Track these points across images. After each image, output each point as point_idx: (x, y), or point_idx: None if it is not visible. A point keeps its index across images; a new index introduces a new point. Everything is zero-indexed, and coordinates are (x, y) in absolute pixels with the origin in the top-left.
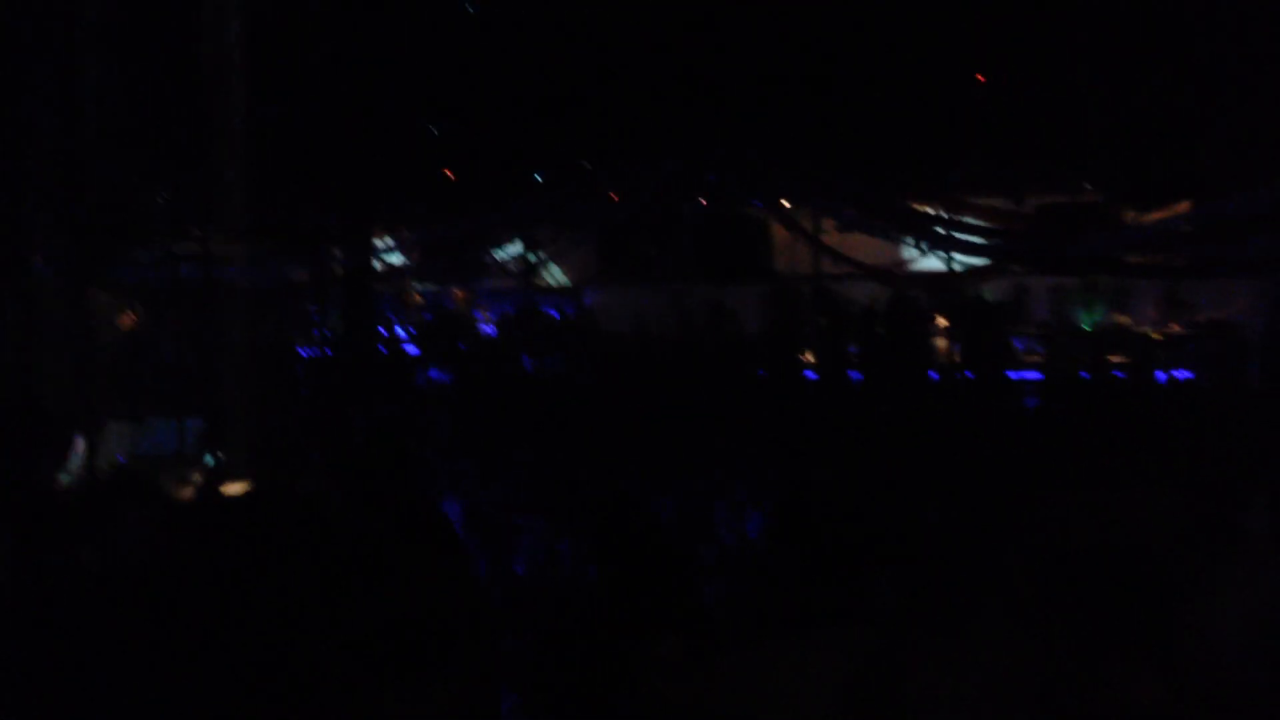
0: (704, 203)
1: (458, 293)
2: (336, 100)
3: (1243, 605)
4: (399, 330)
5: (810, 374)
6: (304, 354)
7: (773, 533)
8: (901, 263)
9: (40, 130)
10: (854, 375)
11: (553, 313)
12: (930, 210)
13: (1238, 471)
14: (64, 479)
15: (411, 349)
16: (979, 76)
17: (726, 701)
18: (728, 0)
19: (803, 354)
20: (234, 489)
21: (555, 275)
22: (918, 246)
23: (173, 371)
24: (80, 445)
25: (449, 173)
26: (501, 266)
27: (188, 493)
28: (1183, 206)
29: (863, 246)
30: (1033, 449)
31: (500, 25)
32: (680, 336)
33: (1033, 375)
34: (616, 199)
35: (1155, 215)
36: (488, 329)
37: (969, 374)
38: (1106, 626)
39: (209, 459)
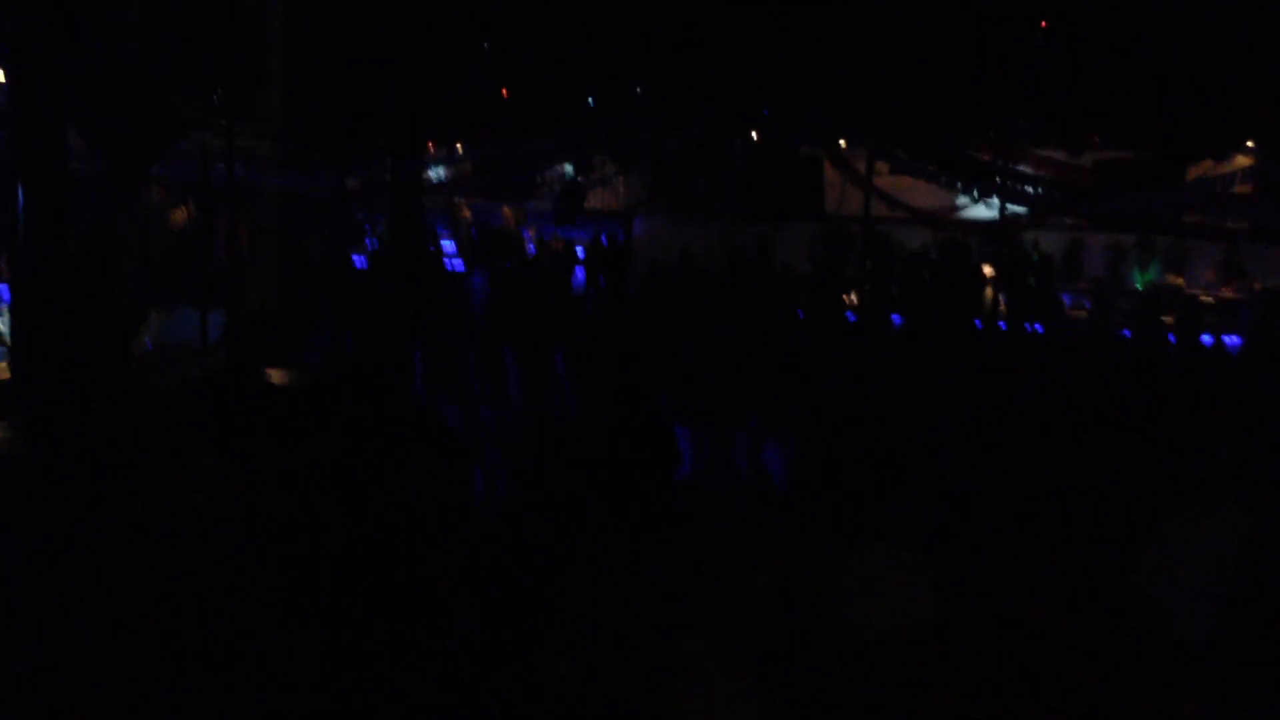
0: (756, 138)
1: (506, 211)
2: (393, 14)
3: (1209, 560)
4: (445, 244)
5: (851, 315)
6: (351, 261)
7: (792, 464)
8: (953, 209)
9: (90, 29)
10: (896, 319)
11: (601, 238)
12: (986, 158)
13: (1257, 433)
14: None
15: (457, 263)
16: (1043, 24)
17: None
18: None
19: (847, 295)
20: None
21: (604, 201)
22: (971, 194)
23: (210, 266)
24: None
25: (504, 92)
26: (551, 188)
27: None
28: (1244, 163)
29: (915, 191)
30: (1054, 400)
31: None
32: (725, 270)
33: (1075, 330)
34: (668, 129)
35: (1215, 171)
36: (533, 249)
37: (1011, 324)
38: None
39: (231, 350)
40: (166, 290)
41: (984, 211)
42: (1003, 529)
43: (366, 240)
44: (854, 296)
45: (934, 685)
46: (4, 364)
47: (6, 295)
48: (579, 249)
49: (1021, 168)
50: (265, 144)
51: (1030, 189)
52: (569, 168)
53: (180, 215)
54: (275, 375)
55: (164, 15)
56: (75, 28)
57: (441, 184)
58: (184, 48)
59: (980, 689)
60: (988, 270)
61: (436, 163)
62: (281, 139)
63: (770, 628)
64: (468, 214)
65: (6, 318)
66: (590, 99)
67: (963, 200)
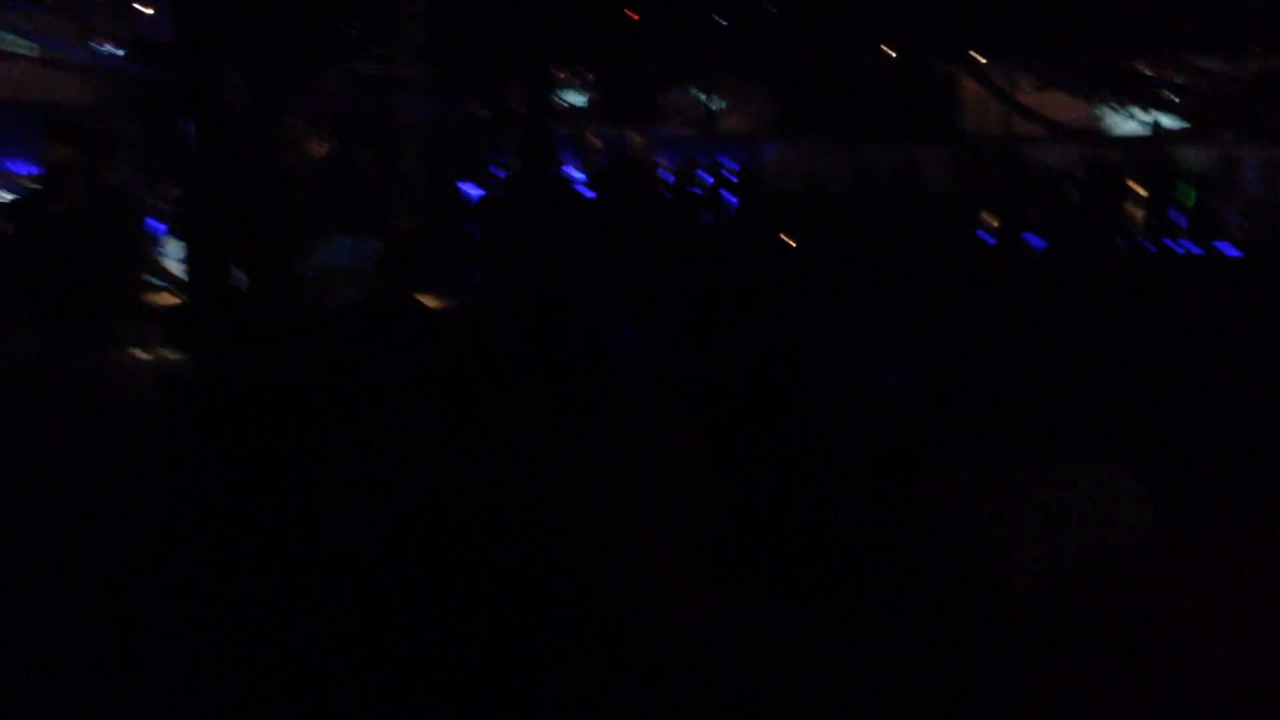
0: (891, 55)
1: (635, 138)
2: None
3: None
4: (571, 171)
5: (991, 238)
6: (480, 189)
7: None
8: (1100, 125)
9: None
10: (1038, 241)
11: (730, 163)
12: (1135, 69)
13: None
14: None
15: (587, 190)
16: None
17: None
18: None
19: (987, 216)
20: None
21: (735, 125)
22: (1121, 108)
23: (356, 195)
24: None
25: (631, 14)
26: (680, 113)
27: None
28: None
29: (1059, 106)
30: (1205, 321)
31: None
32: (858, 194)
33: (1230, 250)
34: (800, 47)
35: None
36: (663, 174)
37: (1161, 244)
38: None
39: (383, 276)
40: (319, 219)
41: (1133, 127)
42: (1227, 452)
43: (494, 170)
44: (994, 218)
45: (1150, 616)
46: (165, 295)
47: (163, 230)
48: (707, 175)
49: (1176, 79)
50: (408, 72)
51: (1186, 101)
52: (698, 92)
53: (323, 148)
54: (427, 301)
55: None
56: None
57: (570, 111)
58: None
59: (1203, 623)
60: (1138, 189)
61: (565, 89)
62: (424, 68)
63: (975, 546)
64: (597, 141)
65: (170, 250)
66: (720, 19)
67: (1110, 115)
